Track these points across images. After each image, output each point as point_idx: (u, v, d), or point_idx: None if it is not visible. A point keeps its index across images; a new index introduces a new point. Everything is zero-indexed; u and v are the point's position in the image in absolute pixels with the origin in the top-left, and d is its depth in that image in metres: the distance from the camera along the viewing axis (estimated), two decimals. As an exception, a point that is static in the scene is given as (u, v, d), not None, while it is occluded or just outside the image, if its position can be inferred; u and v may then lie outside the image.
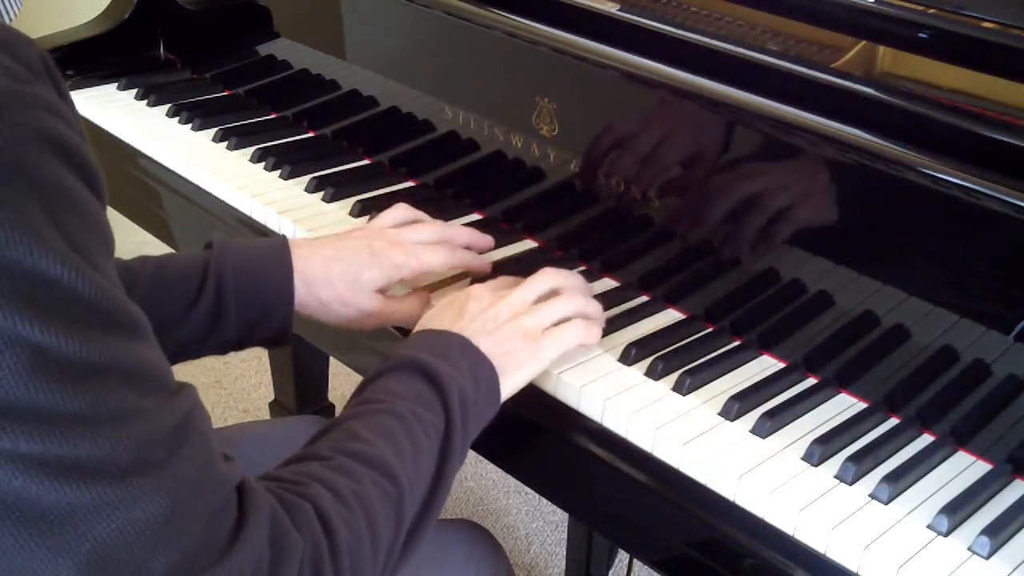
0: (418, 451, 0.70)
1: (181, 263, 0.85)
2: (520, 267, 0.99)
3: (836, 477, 0.76)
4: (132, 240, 2.06)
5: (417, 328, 0.82)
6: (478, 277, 0.96)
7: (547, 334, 0.82)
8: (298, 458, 0.68)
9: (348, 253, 0.88)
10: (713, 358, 0.88)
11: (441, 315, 0.82)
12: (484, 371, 0.78)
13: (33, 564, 0.49)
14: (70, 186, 0.50)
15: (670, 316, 0.94)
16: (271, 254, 0.87)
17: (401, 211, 0.96)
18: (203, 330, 0.84)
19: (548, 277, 0.86)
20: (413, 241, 0.91)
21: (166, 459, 0.52)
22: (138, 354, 0.52)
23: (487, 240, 0.98)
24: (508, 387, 0.80)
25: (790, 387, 0.86)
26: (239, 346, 0.87)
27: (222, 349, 0.87)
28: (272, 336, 0.87)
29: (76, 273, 0.48)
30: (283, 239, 0.89)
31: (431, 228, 0.94)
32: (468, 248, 0.96)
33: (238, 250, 0.86)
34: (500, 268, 0.98)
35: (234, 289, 0.84)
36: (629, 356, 0.87)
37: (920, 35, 0.83)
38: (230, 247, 0.86)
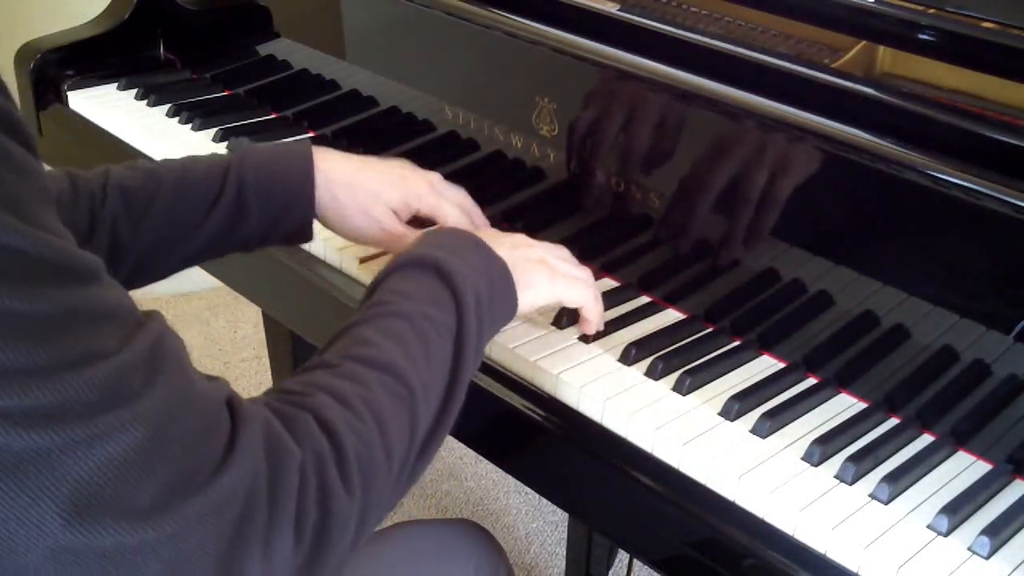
0: (430, 352, 0.69)
1: (204, 167, 0.88)
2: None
3: (836, 477, 0.76)
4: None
5: None
6: None
7: (562, 275, 0.83)
8: (305, 368, 0.67)
9: (375, 168, 0.92)
10: (713, 358, 0.88)
11: None
12: (499, 271, 0.77)
13: (16, 511, 0.48)
14: (2, 144, 0.49)
15: (670, 316, 0.95)
16: (292, 151, 0.90)
17: (436, 175, 0.98)
18: (225, 228, 0.87)
19: (563, 249, 0.88)
20: (441, 189, 0.94)
21: (139, 390, 0.51)
22: (94, 297, 0.51)
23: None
24: (522, 300, 0.79)
25: (790, 387, 0.86)
26: (263, 243, 0.90)
27: (246, 247, 0.90)
28: (295, 231, 0.90)
29: (14, 231, 0.47)
30: (306, 140, 0.92)
31: (462, 191, 0.97)
32: None
33: (260, 151, 0.89)
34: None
35: (255, 188, 0.86)
36: (629, 356, 0.87)
37: (920, 35, 0.83)
38: (253, 151, 0.89)
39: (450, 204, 0.94)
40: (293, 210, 0.88)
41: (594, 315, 0.87)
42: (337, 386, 0.64)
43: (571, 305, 0.86)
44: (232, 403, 0.57)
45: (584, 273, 0.87)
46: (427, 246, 0.76)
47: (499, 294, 0.76)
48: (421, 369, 0.68)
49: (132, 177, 0.87)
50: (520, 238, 0.85)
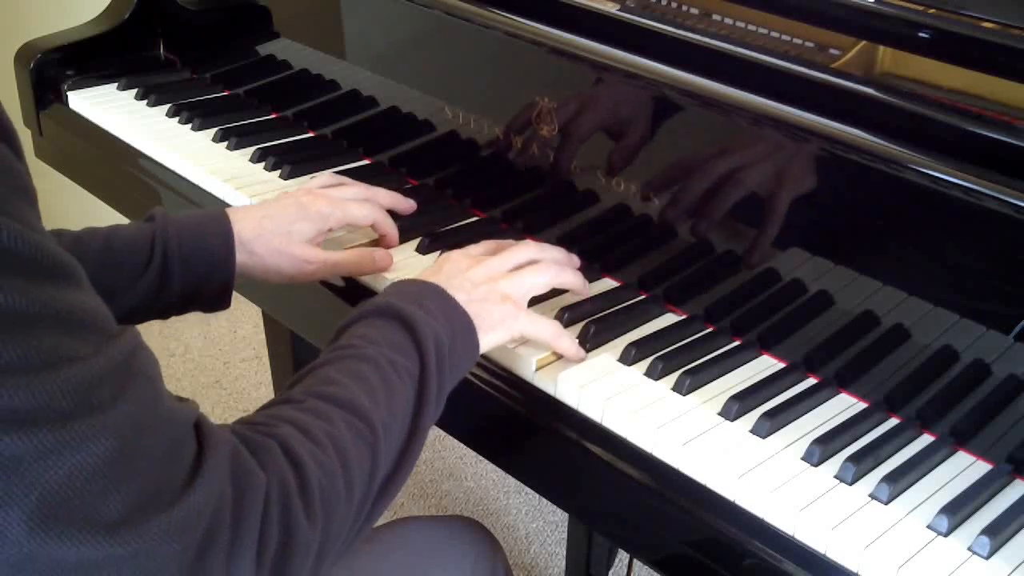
0: (393, 396, 0.70)
1: (129, 234, 0.89)
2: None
3: (836, 477, 0.76)
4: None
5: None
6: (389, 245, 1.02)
7: (526, 310, 0.84)
8: (271, 403, 0.68)
9: (278, 210, 0.94)
10: (713, 358, 0.88)
11: (418, 276, 0.84)
12: (460, 320, 0.78)
13: None
14: None
15: (670, 316, 0.95)
16: (211, 222, 0.91)
17: (326, 176, 1.03)
18: (149, 296, 0.88)
19: (528, 249, 0.89)
20: (339, 197, 0.98)
21: (109, 401, 0.51)
22: (70, 300, 0.51)
23: (410, 203, 1.04)
24: (483, 343, 0.81)
25: (790, 387, 0.86)
26: (181, 310, 0.91)
27: (164, 314, 0.91)
28: (212, 299, 0.91)
29: None
30: (221, 208, 0.94)
31: (355, 187, 1.01)
32: (391, 211, 1.02)
33: (181, 221, 0.90)
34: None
35: (179, 258, 0.88)
36: (629, 356, 0.87)
37: (920, 35, 0.83)
38: (173, 219, 0.90)
39: (355, 207, 0.97)
40: (214, 276, 0.90)
41: (564, 347, 0.86)
42: (302, 420, 0.65)
43: (536, 340, 0.86)
44: (200, 426, 0.58)
45: (548, 274, 0.87)
46: (391, 295, 0.78)
47: (460, 341, 0.77)
48: (383, 411, 0.69)
49: (59, 243, 0.86)
50: (483, 271, 0.84)
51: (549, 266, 0.88)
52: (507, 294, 0.83)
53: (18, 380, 0.48)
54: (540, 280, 0.87)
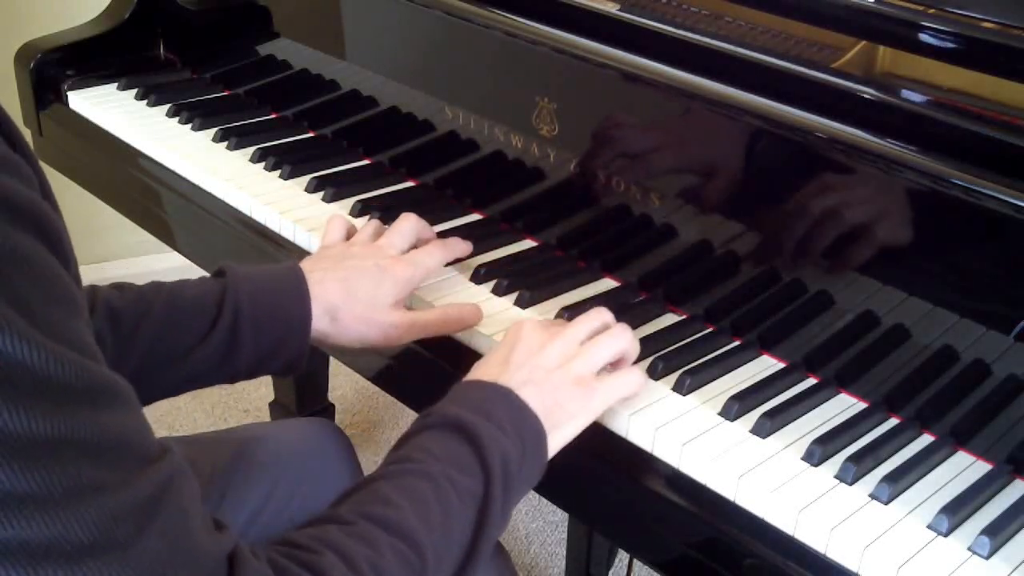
0: (449, 518, 0.66)
1: (195, 291, 0.83)
2: (519, 265, 1.00)
3: (836, 477, 0.76)
4: (132, 240, 2.06)
5: (464, 379, 0.77)
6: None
7: (601, 382, 0.79)
8: (319, 520, 0.64)
9: (358, 272, 0.87)
10: (713, 358, 0.88)
11: (487, 363, 0.78)
12: (530, 429, 0.72)
13: None
14: (16, 244, 0.45)
15: (670, 316, 0.95)
16: (287, 283, 0.85)
17: (375, 224, 0.97)
18: (216, 359, 0.82)
19: (599, 315, 0.83)
20: (399, 246, 0.92)
21: (133, 536, 0.48)
22: (103, 423, 0.48)
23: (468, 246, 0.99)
24: (556, 441, 0.75)
25: (790, 387, 0.86)
26: (249, 375, 0.85)
27: (232, 379, 0.85)
28: (284, 365, 0.85)
29: (22, 341, 0.44)
30: (296, 265, 0.87)
31: (407, 225, 0.95)
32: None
33: (254, 278, 0.84)
34: (498, 264, 0.98)
35: (251, 319, 0.82)
36: (629, 356, 0.87)
37: (920, 35, 0.83)
38: (245, 275, 0.84)
39: (426, 257, 0.92)
40: (288, 343, 0.84)
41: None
42: (347, 547, 0.61)
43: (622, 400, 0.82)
44: (235, 558, 0.54)
45: (623, 340, 0.81)
46: (458, 403, 0.72)
47: (529, 454, 0.72)
48: (436, 536, 0.65)
49: (120, 298, 0.82)
50: (556, 351, 0.77)
51: (625, 330, 0.82)
52: (582, 375, 0.77)
53: (35, 510, 0.45)
54: (617, 347, 0.81)
